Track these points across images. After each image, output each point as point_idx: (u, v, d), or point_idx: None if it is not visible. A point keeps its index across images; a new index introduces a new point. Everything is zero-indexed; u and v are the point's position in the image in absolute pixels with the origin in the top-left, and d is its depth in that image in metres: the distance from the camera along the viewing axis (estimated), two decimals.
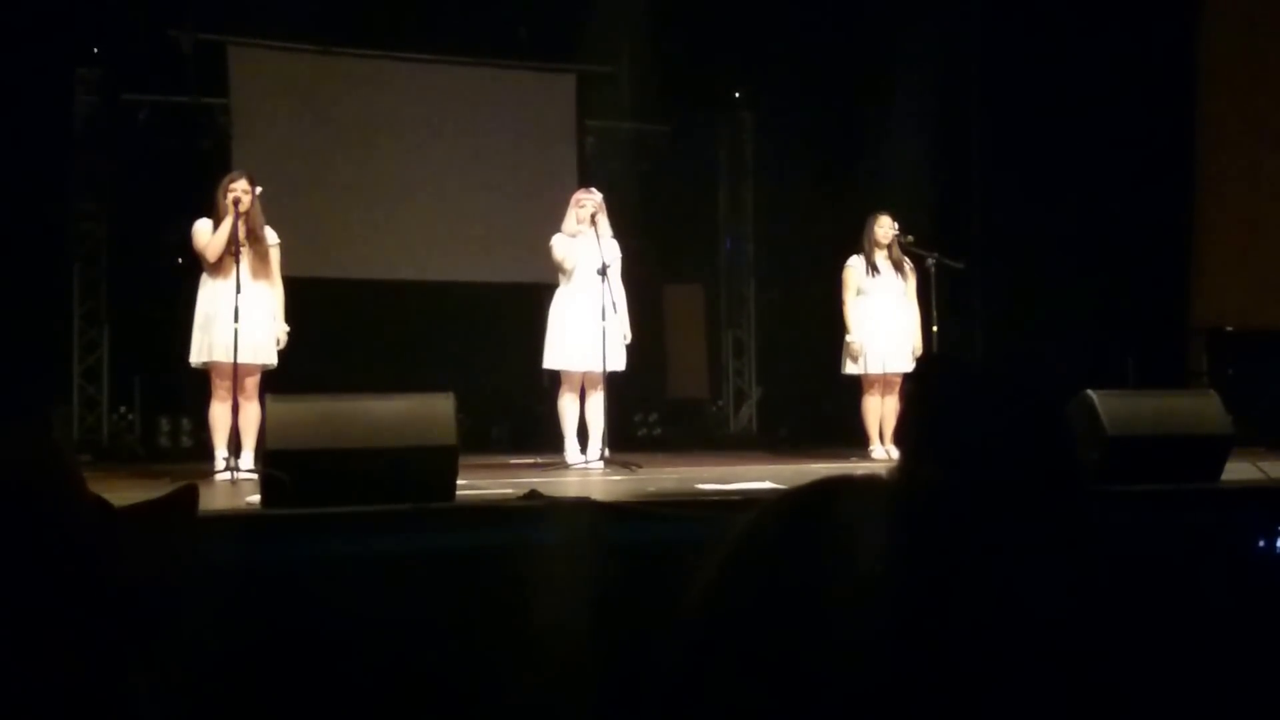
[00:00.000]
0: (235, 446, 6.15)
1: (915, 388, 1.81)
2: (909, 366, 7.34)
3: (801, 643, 0.57)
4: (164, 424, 9.27)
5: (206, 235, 6.37)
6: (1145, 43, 10.22)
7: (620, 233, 7.29)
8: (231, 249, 6.20)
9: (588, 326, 6.84)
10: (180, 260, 7.86)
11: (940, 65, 10.65)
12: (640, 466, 6.63)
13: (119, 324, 9.26)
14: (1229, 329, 9.23)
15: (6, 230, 8.21)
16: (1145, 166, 10.30)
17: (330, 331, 8.76)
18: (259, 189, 6.44)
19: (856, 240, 7.66)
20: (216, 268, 6.31)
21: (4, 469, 1.05)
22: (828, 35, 10.80)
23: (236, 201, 6.24)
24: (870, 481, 0.65)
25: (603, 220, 7.02)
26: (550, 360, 7.04)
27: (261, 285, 6.36)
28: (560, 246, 7.04)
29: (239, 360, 6.07)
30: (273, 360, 6.42)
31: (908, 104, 10.60)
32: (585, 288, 6.92)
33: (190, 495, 1.21)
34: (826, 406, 9.15)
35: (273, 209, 6.71)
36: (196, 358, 6.37)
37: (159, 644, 1.11)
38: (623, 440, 7.67)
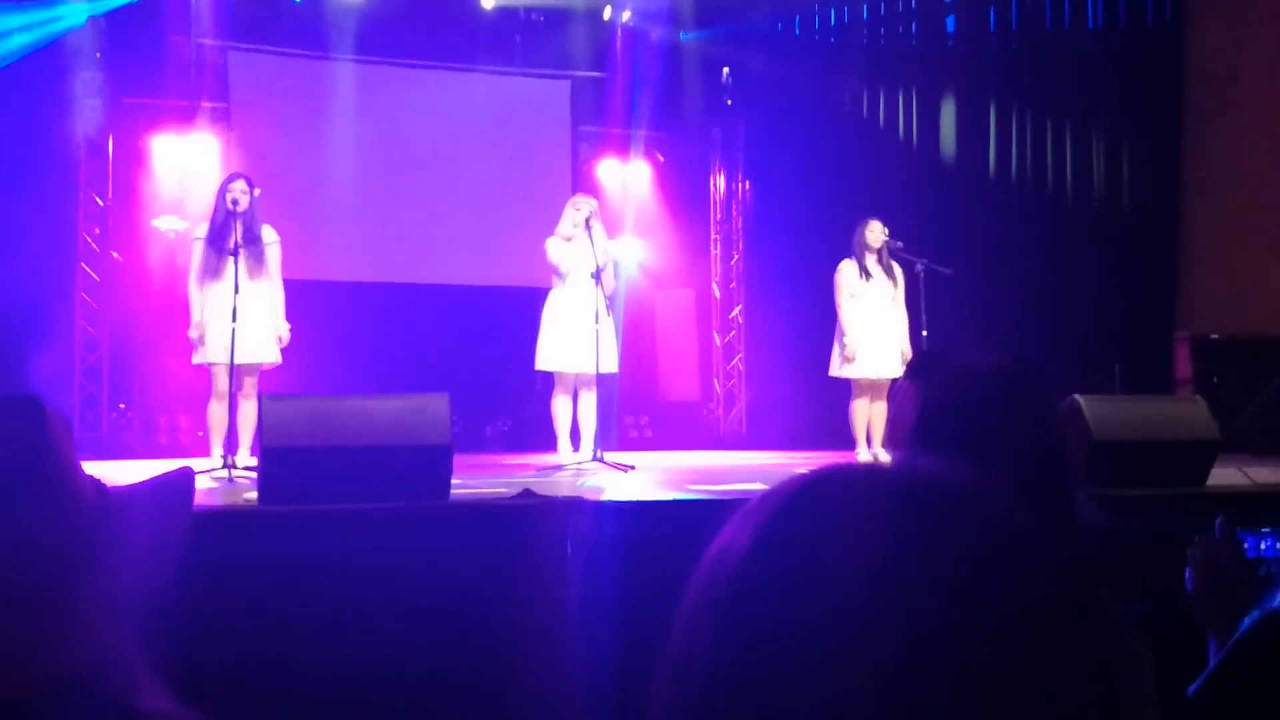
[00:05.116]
0: (233, 445, 6.20)
1: (908, 384, 1.82)
2: (898, 372, 7.37)
3: (805, 641, 0.56)
4: (163, 422, 9.30)
5: (199, 246, 6.45)
6: (1132, 48, 10.29)
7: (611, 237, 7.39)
8: (229, 250, 6.24)
9: (581, 329, 6.89)
10: (179, 261, 7.92)
11: (930, 70, 10.73)
12: (633, 467, 6.68)
13: (119, 322, 9.30)
14: (1215, 336, 9.28)
15: (10, 229, 8.25)
16: (1132, 173, 10.37)
17: (326, 333, 8.80)
18: (257, 191, 6.49)
19: (846, 245, 7.70)
20: (214, 269, 6.36)
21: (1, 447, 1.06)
22: (822, 41, 10.87)
23: (234, 202, 6.29)
24: (867, 471, 0.64)
25: (598, 225, 7.08)
26: (543, 362, 7.09)
27: (260, 284, 6.40)
28: (555, 249, 7.10)
29: (239, 360, 6.11)
30: (275, 358, 6.47)
31: (898, 110, 10.69)
32: (578, 290, 6.98)
33: (185, 478, 1.20)
34: (815, 409, 9.20)
35: (269, 213, 6.76)
36: (198, 357, 6.42)
37: (153, 625, 1.11)
38: (615, 441, 7.71)
